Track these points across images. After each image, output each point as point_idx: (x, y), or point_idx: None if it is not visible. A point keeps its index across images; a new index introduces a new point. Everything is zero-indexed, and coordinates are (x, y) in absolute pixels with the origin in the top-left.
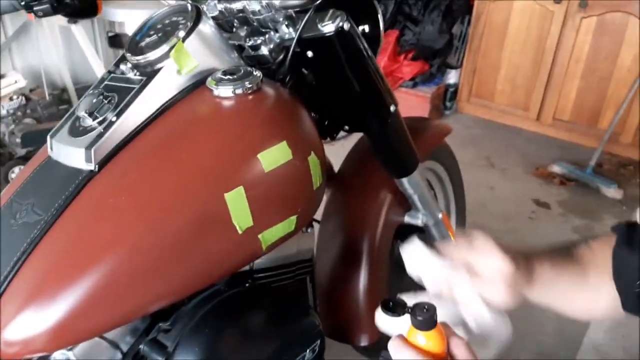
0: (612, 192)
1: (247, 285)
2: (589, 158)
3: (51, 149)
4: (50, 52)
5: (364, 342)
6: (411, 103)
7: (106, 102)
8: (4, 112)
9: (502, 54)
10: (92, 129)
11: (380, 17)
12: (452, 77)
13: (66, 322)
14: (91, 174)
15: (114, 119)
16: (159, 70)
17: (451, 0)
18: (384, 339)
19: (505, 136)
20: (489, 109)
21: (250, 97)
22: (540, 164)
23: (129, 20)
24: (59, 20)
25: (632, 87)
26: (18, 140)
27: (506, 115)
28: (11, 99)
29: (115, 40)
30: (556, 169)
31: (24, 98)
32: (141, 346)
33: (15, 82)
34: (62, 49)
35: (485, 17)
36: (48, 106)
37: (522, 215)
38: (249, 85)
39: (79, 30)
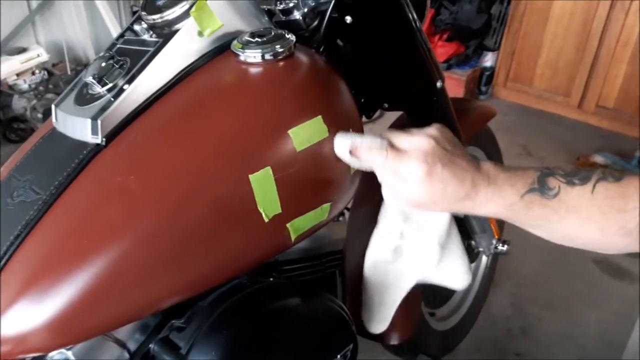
0: None
1: (271, 279)
2: (633, 148)
3: (56, 119)
4: (74, 26)
5: (394, 340)
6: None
7: (117, 66)
8: (25, 86)
9: (543, 36)
10: (100, 97)
11: None
12: (488, 60)
13: (66, 318)
14: (97, 148)
15: (125, 86)
16: (177, 31)
17: None
18: (417, 339)
19: (543, 123)
20: (526, 95)
21: (281, 63)
22: (582, 154)
23: None
24: None
25: None
26: (40, 115)
27: (545, 101)
28: (33, 73)
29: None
30: (599, 159)
31: (46, 72)
32: (151, 345)
33: (38, 56)
34: (86, 24)
35: None
36: (70, 81)
37: None
38: (280, 50)
39: (103, 5)
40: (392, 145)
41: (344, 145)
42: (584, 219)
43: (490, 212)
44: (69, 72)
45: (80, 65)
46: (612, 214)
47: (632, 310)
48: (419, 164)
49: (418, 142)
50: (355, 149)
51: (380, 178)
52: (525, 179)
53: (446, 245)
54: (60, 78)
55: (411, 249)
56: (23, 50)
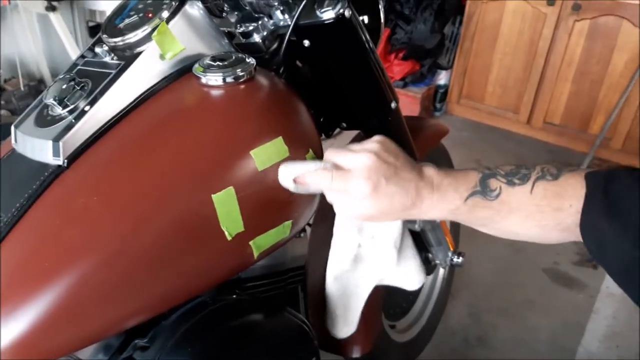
0: None
1: (234, 296)
2: (579, 163)
3: (15, 140)
4: (27, 41)
5: (356, 353)
6: (401, 103)
7: (78, 88)
8: None
9: (493, 55)
10: (62, 119)
11: (381, 6)
12: (442, 78)
13: (27, 340)
14: (59, 170)
15: (86, 107)
16: (139, 54)
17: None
18: (378, 351)
19: (495, 139)
20: (479, 111)
21: (242, 86)
22: None
23: (111, 9)
24: (37, 7)
25: (624, 92)
26: None
27: (496, 117)
28: None
29: (96, 30)
30: None
31: None
32: None
33: None
34: (39, 38)
35: (477, 18)
36: (23, 97)
37: None
38: (241, 73)
39: (58, 19)
40: (335, 166)
41: (287, 174)
42: (524, 218)
43: (437, 216)
44: (22, 88)
45: (34, 80)
46: (549, 212)
47: (581, 316)
48: (364, 182)
49: (360, 159)
50: (300, 177)
51: (328, 198)
52: (467, 183)
53: (401, 248)
54: (12, 94)
55: (369, 255)
56: None
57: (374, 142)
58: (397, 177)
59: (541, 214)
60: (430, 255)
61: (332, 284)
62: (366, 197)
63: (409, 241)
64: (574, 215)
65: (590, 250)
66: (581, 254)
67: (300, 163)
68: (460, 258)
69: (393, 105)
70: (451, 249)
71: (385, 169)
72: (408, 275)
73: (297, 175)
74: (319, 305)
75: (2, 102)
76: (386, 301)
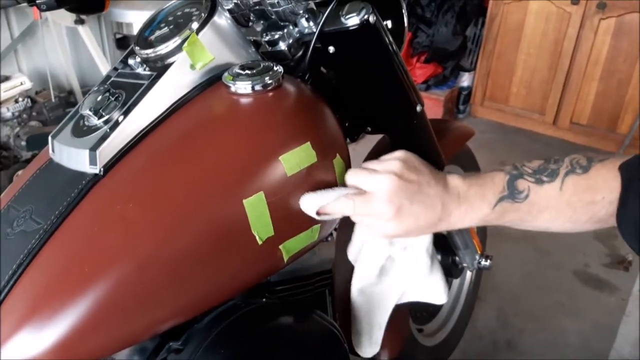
0: None
1: (264, 300)
2: None
3: (52, 150)
4: (56, 53)
5: (384, 357)
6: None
7: (113, 99)
8: (9, 114)
9: (517, 56)
10: (97, 129)
11: (404, 10)
12: (465, 80)
13: (67, 343)
14: (96, 178)
15: (121, 118)
16: (170, 65)
17: (465, 2)
18: (406, 354)
19: (520, 140)
20: (503, 113)
21: (271, 93)
22: None
23: (138, 22)
24: (66, 20)
25: None
26: (23, 143)
27: (521, 119)
28: (16, 101)
29: (123, 42)
30: None
31: (29, 100)
32: None
33: (21, 84)
34: (68, 51)
35: (500, 19)
36: (54, 108)
37: None
38: (269, 81)
39: (86, 32)
40: (356, 188)
41: (311, 207)
42: (555, 215)
43: (466, 225)
44: (52, 100)
45: (64, 92)
46: (581, 207)
47: (613, 320)
48: (386, 205)
49: (381, 182)
50: (323, 207)
51: (354, 220)
52: (494, 188)
53: (432, 256)
54: (43, 105)
55: (398, 267)
56: (6, 78)
57: (395, 160)
58: (421, 194)
59: (572, 209)
60: (457, 259)
61: (356, 296)
62: (390, 219)
63: (434, 254)
64: (607, 207)
65: (628, 240)
66: (612, 255)
67: (321, 193)
68: (488, 261)
69: (418, 108)
70: (478, 252)
71: (407, 189)
72: (435, 289)
73: (320, 207)
74: (346, 310)
75: (34, 114)
76: (413, 305)
